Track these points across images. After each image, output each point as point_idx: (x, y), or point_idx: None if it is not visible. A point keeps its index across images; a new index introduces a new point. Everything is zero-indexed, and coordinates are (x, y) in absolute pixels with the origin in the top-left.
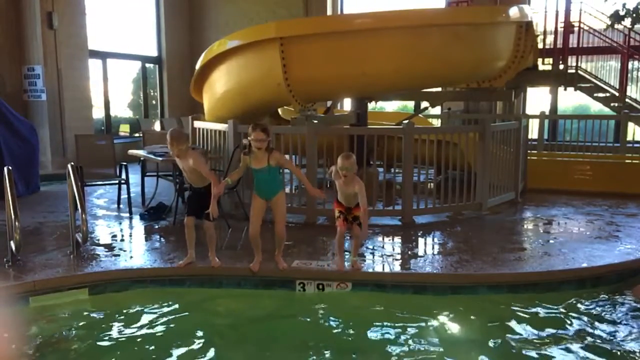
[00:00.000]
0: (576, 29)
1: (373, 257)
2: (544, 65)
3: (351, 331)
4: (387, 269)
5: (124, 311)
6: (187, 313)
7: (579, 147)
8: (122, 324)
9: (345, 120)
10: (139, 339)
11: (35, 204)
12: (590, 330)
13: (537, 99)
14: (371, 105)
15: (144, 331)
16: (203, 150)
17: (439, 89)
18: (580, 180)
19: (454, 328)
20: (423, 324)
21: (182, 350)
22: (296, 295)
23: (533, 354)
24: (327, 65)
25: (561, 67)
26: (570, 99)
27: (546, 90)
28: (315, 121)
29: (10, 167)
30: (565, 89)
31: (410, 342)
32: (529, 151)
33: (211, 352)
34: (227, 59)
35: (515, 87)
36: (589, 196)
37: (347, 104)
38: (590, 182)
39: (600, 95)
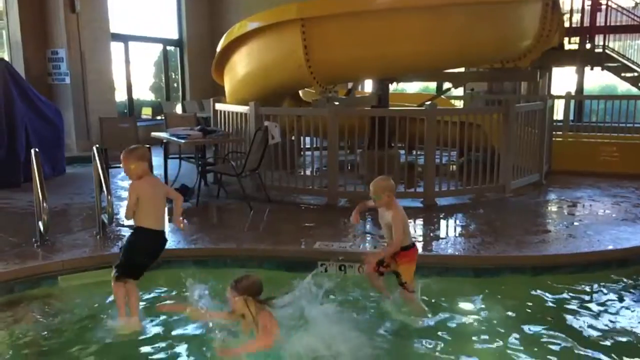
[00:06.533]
0: (604, 7)
1: None
2: (570, 44)
3: (373, 312)
4: None
5: (149, 290)
6: (208, 292)
7: (605, 128)
8: (147, 302)
9: (367, 102)
10: (163, 317)
11: (62, 185)
12: (616, 313)
13: (562, 79)
14: (392, 87)
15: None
16: (225, 132)
17: (462, 70)
18: (606, 161)
19: (476, 311)
20: (444, 307)
21: (202, 328)
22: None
23: (557, 335)
24: (348, 47)
25: (588, 46)
26: (597, 79)
27: (572, 70)
28: (337, 103)
29: (37, 150)
30: (591, 69)
31: (430, 325)
32: (554, 132)
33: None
34: (248, 41)
35: (540, 67)
36: (615, 178)
37: (369, 86)
38: (617, 164)
39: (628, 75)
